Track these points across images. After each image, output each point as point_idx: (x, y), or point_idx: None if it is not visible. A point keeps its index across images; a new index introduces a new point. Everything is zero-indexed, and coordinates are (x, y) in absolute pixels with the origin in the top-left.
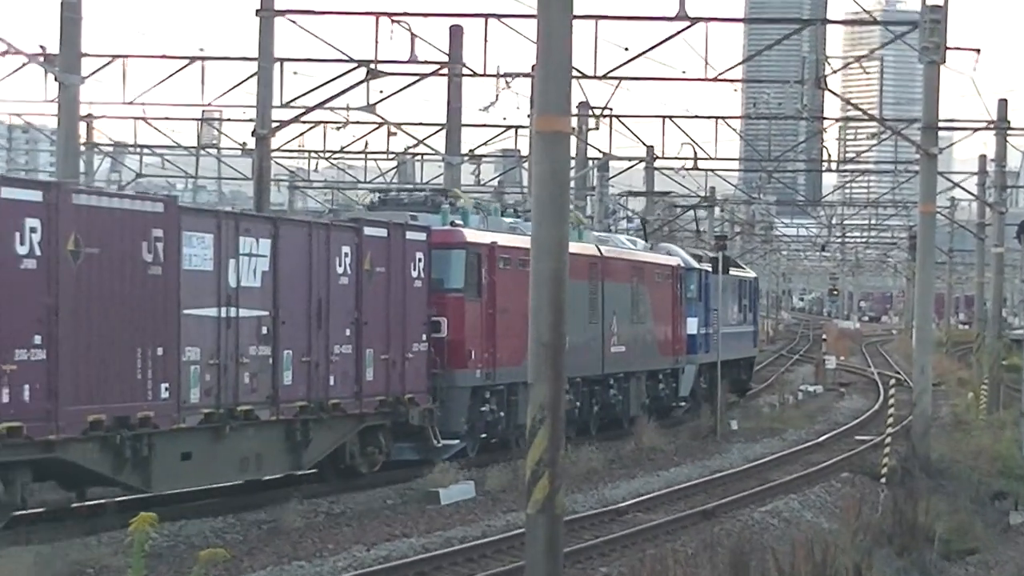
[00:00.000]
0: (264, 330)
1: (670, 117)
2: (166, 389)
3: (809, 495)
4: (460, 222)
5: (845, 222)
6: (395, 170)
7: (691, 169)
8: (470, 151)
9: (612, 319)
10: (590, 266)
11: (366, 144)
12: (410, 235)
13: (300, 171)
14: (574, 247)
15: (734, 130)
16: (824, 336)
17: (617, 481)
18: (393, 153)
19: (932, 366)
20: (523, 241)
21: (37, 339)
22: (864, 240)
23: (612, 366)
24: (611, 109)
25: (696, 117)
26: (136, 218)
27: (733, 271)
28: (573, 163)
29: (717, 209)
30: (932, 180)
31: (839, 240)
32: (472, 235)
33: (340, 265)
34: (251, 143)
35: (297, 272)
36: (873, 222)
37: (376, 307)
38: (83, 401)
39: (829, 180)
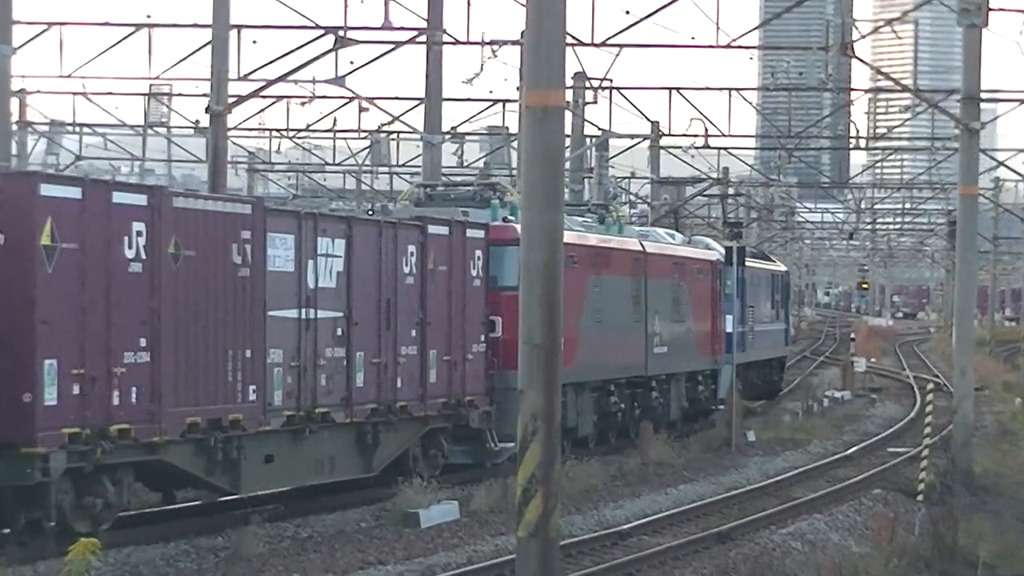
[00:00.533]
0: (339, 332)
1: (677, 89)
2: (253, 391)
3: (836, 515)
4: (512, 218)
5: (876, 206)
6: (368, 150)
7: (701, 148)
8: (452, 129)
9: (655, 318)
10: (633, 262)
11: (335, 121)
12: (470, 232)
13: (260, 152)
14: (616, 242)
15: (750, 103)
16: (853, 335)
17: (620, 500)
18: (365, 131)
19: (974, 368)
20: (575, 237)
21: (143, 342)
22: (897, 227)
23: (655, 367)
24: (611, 80)
25: (707, 89)
26: (227, 220)
27: (764, 264)
28: (568, 142)
29: (731, 192)
30: (974, 158)
31: (869, 227)
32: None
33: (407, 264)
34: (205, 121)
35: (368, 272)
36: (907, 206)
37: (438, 307)
38: (182, 403)
39: (857, 159)
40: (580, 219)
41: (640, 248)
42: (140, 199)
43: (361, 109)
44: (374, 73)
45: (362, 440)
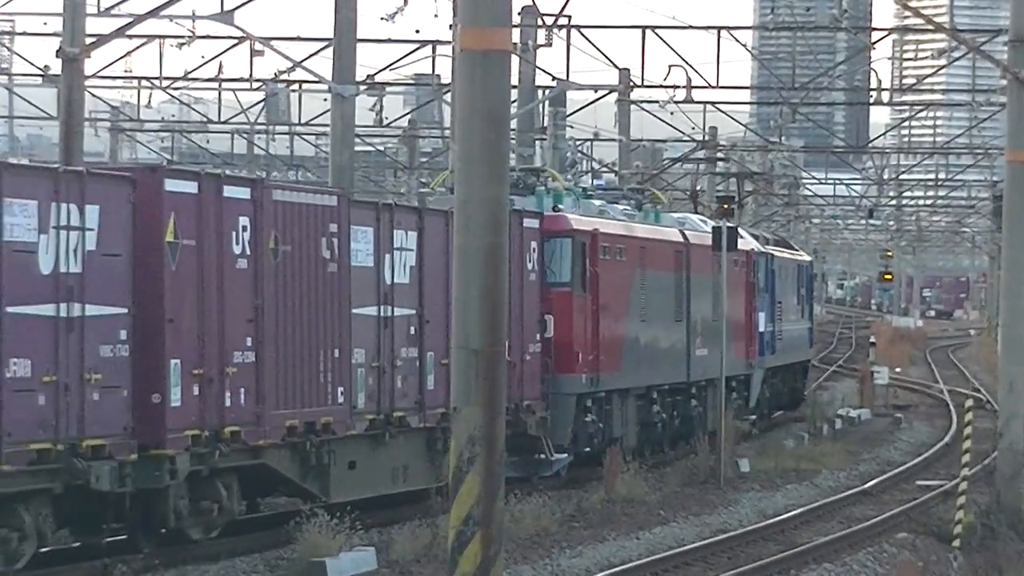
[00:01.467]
0: (412, 330)
1: (652, 28)
2: (341, 393)
3: (851, 564)
4: (561, 206)
5: (902, 177)
6: (262, 104)
7: (683, 102)
8: (368, 78)
9: (697, 317)
10: (676, 255)
11: (220, 68)
12: (526, 223)
13: (126, 107)
14: (660, 233)
15: (744, 46)
16: (872, 339)
17: (579, 546)
18: (259, 80)
19: None
20: (621, 228)
21: (248, 341)
22: (929, 203)
23: (696, 372)
24: (568, 17)
25: (690, 28)
26: (317, 213)
27: (787, 253)
28: (515, 94)
29: (719, 157)
30: None
31: (893, 203)
32: (577, 221)
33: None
34: (55, 67)
35: (438, 267)
36: (942, 176)
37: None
38: (282, 406)
39: (879, 117)
40: (620, 207)
41: (682, 239)
42: (245, 192)
43: (254, 53)
44: (270, 7)
45: (432, 447)
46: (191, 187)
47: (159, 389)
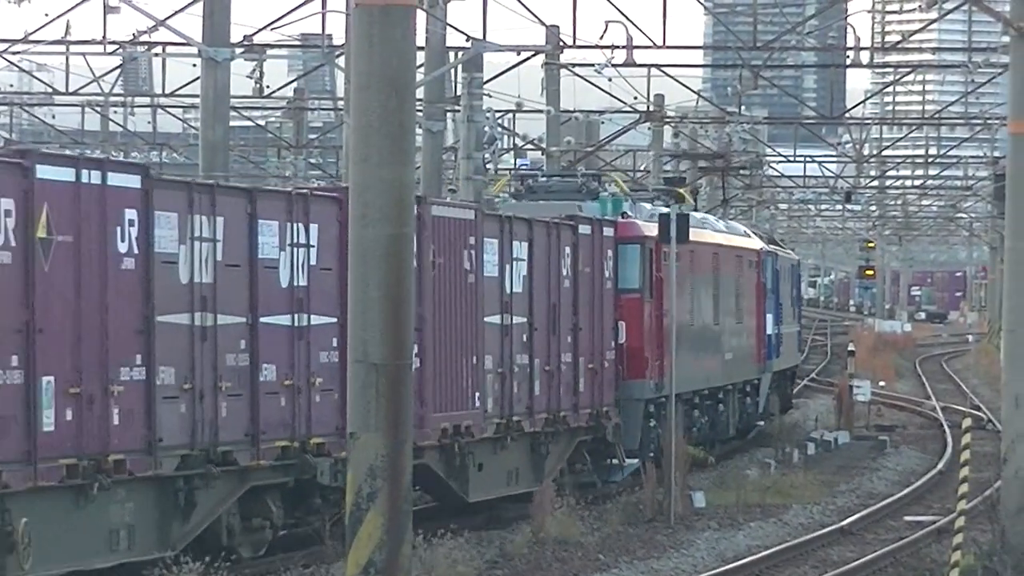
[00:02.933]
0: (524, 338)
1: None
2: (478, 398)
3: None
4: (630, 213)
5: (885, 153)
6: (118, 71)
7: (623, 66)
8: (245, 39)
9: (726, 320)
10: (713, 257)
11: (67, 28)
12: (605, 230)
13: None
14: (700, 235)
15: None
16: (852, 347)
17: None
18: (114, 43)
19: None
20: (698, 234)
21: (416, 348)
22: (918, 183)
23: (726, 376)
24: None
25: None
26: (461, 227)
27: (782, 252)
28: (421, 57)
29: (668, 132)
30: None
31: (875, 184)
32: (645, 227)
33: (564, 267)
34: None
35: (542, 276)
36: (932, 152)
37: (584, 311)
38: (438, 408)
39: (858, 82)
40: (649, 207)
41: (718, 241)
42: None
43: (108, 10)
44: None
45: (536, 451)
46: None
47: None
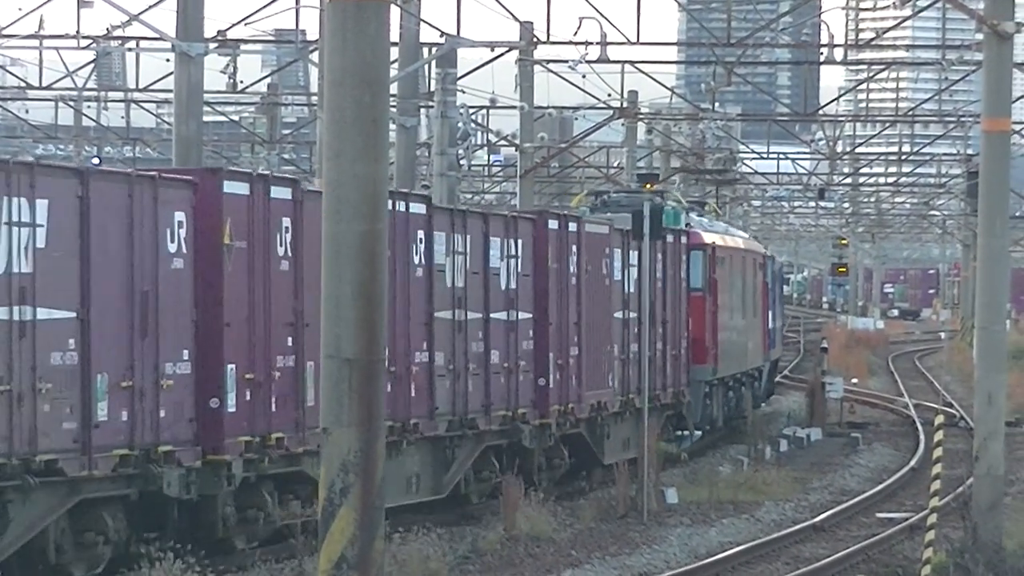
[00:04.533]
0: (635, 330)
1: None
2: (611, 379)
3: None
4: (692, 224)
5: (859, 150)
6: (92, 65)
7: (597, 62)
8: (219, 34)
9: (747, 316)
10: (741, 260)
11: (41, 22)
12: (683, 239)
13: None
14: (730, 240)
15: None
16: (824, 343)
17: None
18: (88, 38)
19: (1007, 392)
20: (721, 239)
21: (575, 338)
22: (891, 181)
23: (749, 363)
24: None
25: None
26: (601, 240)
27: (756, 247)
28: (395, 52)
29: (642, 128)
30: (1005, 77)
31: (849, 181)
32: (706, 235)
33: (658, 270)
34: None
35: (646, 278)
36: (906, 150)
37: (670, 307)
38: (588, 388)
39: (831, 80)
40: (695, 216)
41: (740, 246)
42: (573, 226)
43: (81, 4)
44: None
45: (641, 424)
46: (555, 224)
47: (543, 374)
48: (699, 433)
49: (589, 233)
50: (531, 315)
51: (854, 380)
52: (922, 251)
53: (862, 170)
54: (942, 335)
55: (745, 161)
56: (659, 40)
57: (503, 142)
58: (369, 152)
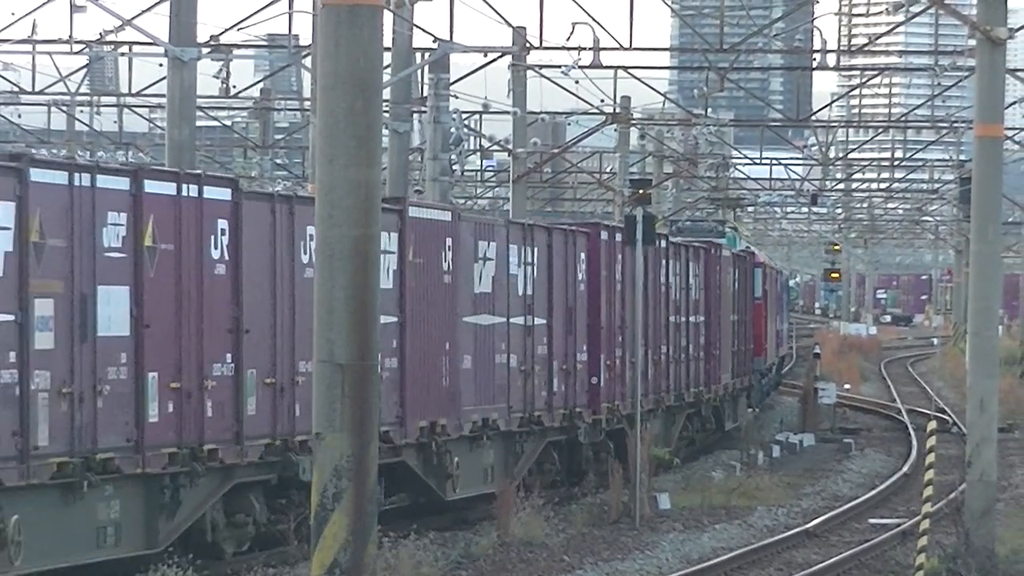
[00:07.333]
0: (701, 332)
1: None
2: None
3: None
4: (750, 246)
5: (851, 155)
6: (84, 70)
7: (590, 67)
8: (212, 39)
9: (772, 318)
10: (771, 273)
11: (34, 27)
12: (749, 258)
13: None
14: (769, 260)
15: (664, 1)
16: (817, 349)
17: None
18: (81, 42)
19: (999, 398)
20: (764, 256)
21: (619, 339)
22: (884, 187)
23: (772, 358)
24: None
25: None
26: (655, 252)
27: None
28: (388, 57)
29: (635, 133)
30: (997, 83)
31: (841, 186)
32: (760, 255)
33: (734, 283)
34: None
35: (714, 290)
36: (899, 156)
37: (743, 312)
38: (651, 391)
39: (824, 85)
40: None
41: (766, 261)
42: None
43: (74, 9)
44: None
45: (722, 410)
46: (605, 234)
47: (596, 374)
48: (756, 410)
49: (676, 245)
50: (586, 321)
51: (847, 385)
52: (915, 257)
53: (855, 176)
54: (935, 341)
55: (738, 167)
56: (652, 45)
57: (496, 147)
58: (362, 157)
